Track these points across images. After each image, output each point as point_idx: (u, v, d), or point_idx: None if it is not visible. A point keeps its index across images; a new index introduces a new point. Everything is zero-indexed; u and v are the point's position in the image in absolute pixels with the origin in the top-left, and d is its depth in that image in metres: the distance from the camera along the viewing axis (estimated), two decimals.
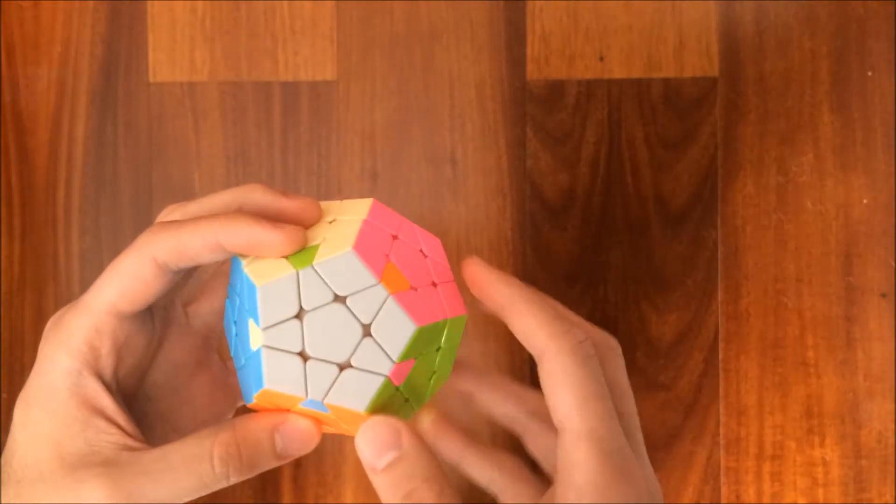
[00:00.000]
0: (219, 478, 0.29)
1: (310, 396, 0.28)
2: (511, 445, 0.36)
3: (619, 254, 0.45)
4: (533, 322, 0.30)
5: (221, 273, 0.35)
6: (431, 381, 0.30)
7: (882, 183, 0.44)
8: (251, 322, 0.29)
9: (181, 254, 0.29)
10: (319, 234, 0.30)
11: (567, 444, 0.29)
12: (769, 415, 0.44)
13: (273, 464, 0.30)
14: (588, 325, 0.33)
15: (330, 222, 0.30)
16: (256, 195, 0.30)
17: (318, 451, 0.45)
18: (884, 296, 0.44)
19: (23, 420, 0.29)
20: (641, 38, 0.45)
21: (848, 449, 0.44)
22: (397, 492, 0.28)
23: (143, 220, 0.45)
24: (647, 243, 0.45)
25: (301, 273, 0.28)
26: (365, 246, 0.29)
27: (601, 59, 0.45)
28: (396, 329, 0.29)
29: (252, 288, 0.28)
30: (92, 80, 0.45)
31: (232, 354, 0.32)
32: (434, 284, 0.30)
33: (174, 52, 0.45)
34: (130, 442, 0.29)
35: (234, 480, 0.29)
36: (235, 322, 0.30)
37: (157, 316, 0.32)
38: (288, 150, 0.45)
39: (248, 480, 0.45)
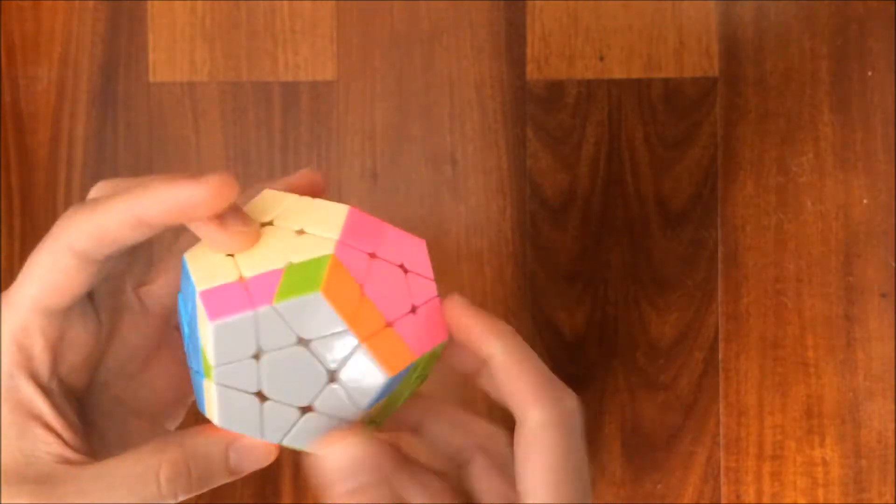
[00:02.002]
0: (165, 497, 0.27)
1: (266, 439, 0.26)
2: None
3: (619, 254, 0.45)
4: (522, 383, 0.27)
5: (174, 251, 0.31)
6: (391, 406, 0.28)
7: (882, 183, 0.44)
8: (203, 345, 0.26)
9: (100, 238, 0.26)
10: (281, 248, 0.26)
11: None
12: (769, 415, 0.44)
13: (225, 479, 0.28)
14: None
15: (297, 232, 0.27)
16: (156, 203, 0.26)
17: None
18: (884, 296, 0.44)
19: None
20: (641, 38, 0.45)
21: (848, 449, 0.44)
22: None
23: None
24: (647, 243, 0.45)
25: (260, 312, 0.25)
26: (336, 283, 0.25)
27: (601, 59, 0.45)
28: (366, 378, 0.26)
29: (204, 319, 0.25)
30: (92, 80, 0.45)
31: (185, 350, 0.29)
32: (413, 310, 0.27)
33: (174, 52, 0.45)
34: (69, 453, 0.27)
35: (181, 498, 0.27)
36: (188, 324, 0.27)
37: (104, 305, 0.29)
38: (288, 150, 0.45)
39: (249, 480, 0.45)
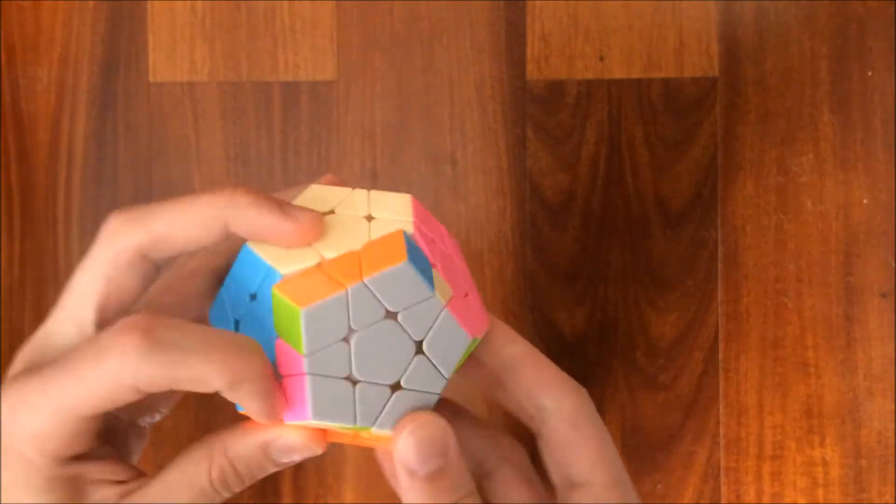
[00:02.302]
0: (220, 496, 0.27)
1: (359, 423, 0.26)
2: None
3: (619, 254, 0.45)
4: (550, 373, 0.28)
5: (178, 268, 0.30)
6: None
7: (882, 183, 0.44)
8: (279, 342, 0.26)
9: (168, 238, 0.26)
10: (356, 233, 0.27)
11: (594, 496, 0.28)
12: (769, 415, 0.44)
13: (273, 469, 0.28)
14: None
15: (365, 217, 0.27)
16: (248, 214, 0.26)
17: None
18: (884, 296, 0.44)
19: None
20: (641, 38, 0.45)
21: (848, 449, 0.44)
22: (441, 500, 0.26)
23: None
24: (647, 243, 0.45)
25: (351, 290, 0.25)
26: (417, 256, 0.26)
27: (601, 59, 0.45)
28: (450, 343, 0.26)
29: (289, 309, 0.25)
30: (92, 80, 0.45)
31: None
32: (466, 295, 0.28)
33: (174, 52, 0.45)
34: (124, 488, 0.27)
35: (238, 491, 0.28)
36: (239, 320, 0.27)
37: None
38: (288, 150, 0.45)
39: None
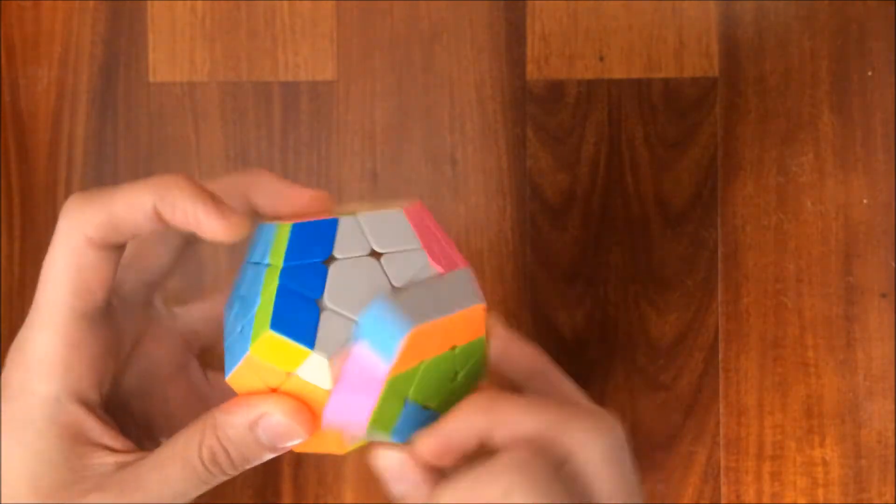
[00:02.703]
0: (213, 476, 0.28)
1: (316, 350, 0.25)
2: None
3: (619, 254, 0.45)
4: (579, 413, 0.27)
5: (221, 288, 0.32)
6: (451, 400, 0.28)
7: (882, 183, 0.44)
8: (267, 271, 0.26)
9: (115, 225, 0.26)
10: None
11: None
12: (769, 415, 0.44)
13: (269, 456, 0.28)
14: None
15: (373, 255, 0.28)
16: (263, 180, 0.28)
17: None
18: (884, 296, 0.44)
19: None
20: (641, 38, 0.45)
21: (848, 449, 0.44)
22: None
23: None
24: (647, 243, 0.45)
25: (342, 220, 0.26)
26: (413, 216, 0.27)
27: (601, 59, 0.45)
28: (426, 293, 0.26)
29: (284, 227, 0.26)
30: (92, 80, 0.45)
31: (225, 333, 0.29)
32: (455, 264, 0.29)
33: (174, 52, 0.45)
34: (122, 458, 0.28)
35: (232, 474, 0.28)
36: (242, 296, 0.28)
37: (130, 314, 0.30)
38: (288, 150, 0.45)
39: (249, 480, 0.45)
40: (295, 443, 0.28)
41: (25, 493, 0.27)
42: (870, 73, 0.44)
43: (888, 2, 0.44)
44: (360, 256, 0.26)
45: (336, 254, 0.26)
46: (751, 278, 0.45)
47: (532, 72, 0.45)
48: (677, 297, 0.45)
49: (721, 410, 0.45)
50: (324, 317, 0.26)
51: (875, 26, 0.44)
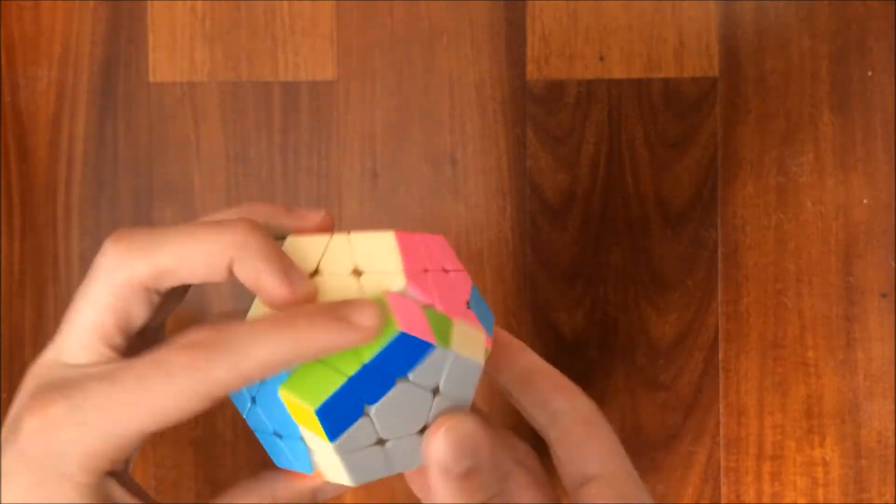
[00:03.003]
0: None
1: (398, 471, 0.27)
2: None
3: (619, 254, 0.45)
4: (565, 380, 0.30)
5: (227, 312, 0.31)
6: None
7: (882, 183, 0.44)
8: (303, 429, 0.26)
9: (174, 272, 0.25)
10: (347, 297, 0.26)
11: (610, 484, 0.28)
12: (769, 415, 0.44)
13: None
14: None
15: (354, 273, 0.27)
16: (263, 212, 0.27)
17: None
18: (884, 296, 0.44)
19: None
20: (641, 38, 0.45)
21: (848, 449, 0.44)
22: (474, 499, 0.26)
23: (142, 221, 0.45)
24: (647, 243, 0.45)
25: (355, 376, 0.25)
26: (408, 317, 0.25)
27: (601, 59, 0.45)
28: (465, 373, 0.26)
29: (302, 409, 0.25)
30: (92, 80, 0.45)
31: (244, 414, 0.28)
32: (467, 304, 0.28)
33: (174, 52, 0.45)
34: None
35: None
36: (255, 396, 0.27)
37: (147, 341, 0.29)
38: (288, 150, 0.45)
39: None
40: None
41: None
42: (870, 73, 0.44)
43: (888, 2, 0.44)
44: (390, 390, 0.25)
45: (367, 403, 0.25)
46: (751, 278, 0.45)
47: (532, 72, 0.45)
48: (677, 297, 0.45)
49: (721, 410, 0.45)
50: (389, 446, 0.26)
51: (875, 26, 0.44)
